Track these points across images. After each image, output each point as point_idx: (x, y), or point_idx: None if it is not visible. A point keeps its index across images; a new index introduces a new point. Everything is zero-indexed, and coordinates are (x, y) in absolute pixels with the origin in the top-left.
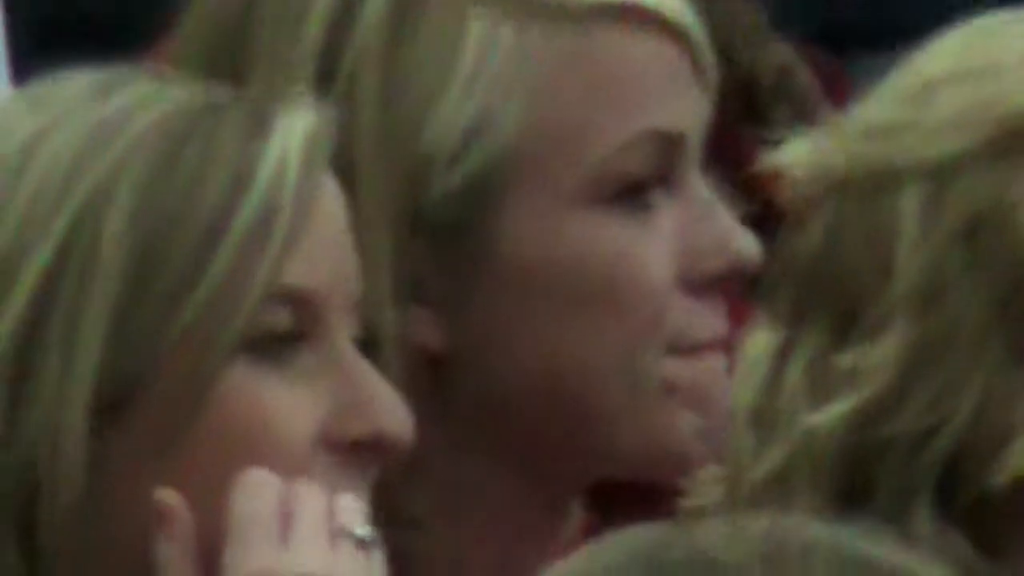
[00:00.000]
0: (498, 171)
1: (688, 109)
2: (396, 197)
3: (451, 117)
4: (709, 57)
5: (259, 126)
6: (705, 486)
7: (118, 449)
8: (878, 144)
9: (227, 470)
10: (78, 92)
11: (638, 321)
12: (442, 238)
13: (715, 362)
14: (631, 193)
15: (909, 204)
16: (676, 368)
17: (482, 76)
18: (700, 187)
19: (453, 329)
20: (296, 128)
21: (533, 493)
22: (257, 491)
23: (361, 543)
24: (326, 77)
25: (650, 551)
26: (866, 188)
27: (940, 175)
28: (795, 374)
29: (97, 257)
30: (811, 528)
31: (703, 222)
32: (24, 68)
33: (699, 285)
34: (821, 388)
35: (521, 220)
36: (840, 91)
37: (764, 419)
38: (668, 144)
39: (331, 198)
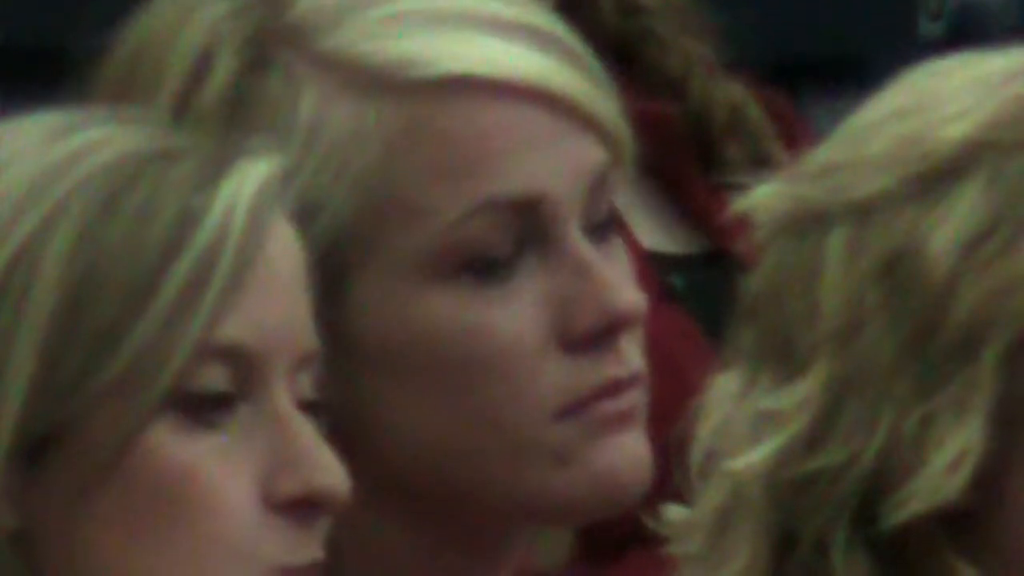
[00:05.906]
0: (337, 253)
1: (548, 169)
2: None
3: None
4: (587, 102)
5: (212, 174)
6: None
7: (43, 493)
8: (817, 185)
9: (159, 530)
10: (34, 134)
11: (501, 389)
12: None
13: (605, 408)
14: (481, 262)
15: (834, 244)
16: (566, 430)
17: (312, 157)
18: (576, 244)
19: (332, 410)
20: (250, 177)
21: (467, 563)
22: None
23: None
24: None
25: None
26: (801, 229)
27: (863, 214)
28: (743, 416)
29: (30, 298)
30: None
31: (576, 280)
32: None
33: (579, 343)
34: (756, 430)
35: (370, 301)
36: (793, 130)
37: (712, 461)
38: (520, 210)
39: (283, 250)
